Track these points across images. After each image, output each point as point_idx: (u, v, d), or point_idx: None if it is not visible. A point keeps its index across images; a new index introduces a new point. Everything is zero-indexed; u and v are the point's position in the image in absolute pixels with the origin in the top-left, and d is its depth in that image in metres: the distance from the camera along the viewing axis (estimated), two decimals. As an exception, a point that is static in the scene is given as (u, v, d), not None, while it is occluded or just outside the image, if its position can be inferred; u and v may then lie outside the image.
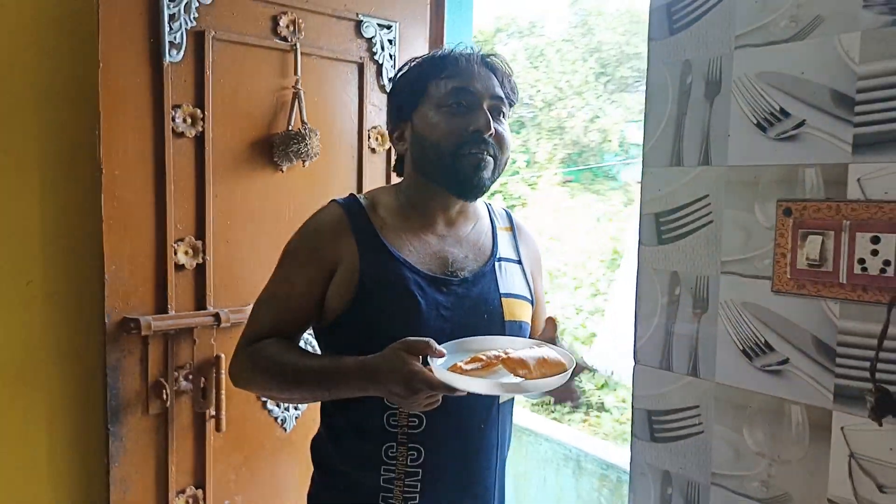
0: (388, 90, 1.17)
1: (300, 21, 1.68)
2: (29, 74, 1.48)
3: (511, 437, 1.22)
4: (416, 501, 1.08)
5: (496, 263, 1.16)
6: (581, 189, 9.17)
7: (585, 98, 9.31)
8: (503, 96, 1.12)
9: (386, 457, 1.07)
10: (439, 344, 0.96)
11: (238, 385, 1.11)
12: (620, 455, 2.68)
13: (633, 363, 1.30)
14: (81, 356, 1.56)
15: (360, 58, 1.80)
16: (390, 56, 1.84)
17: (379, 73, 1.83)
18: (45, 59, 1.49)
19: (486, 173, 1.09)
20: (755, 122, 1.09)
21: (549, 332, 1.08)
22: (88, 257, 1.50)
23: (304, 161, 1.69)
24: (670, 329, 1.22)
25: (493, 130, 1.08)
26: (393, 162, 1.21)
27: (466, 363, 0.93)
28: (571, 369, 0.97)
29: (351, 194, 1.16)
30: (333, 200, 1.14)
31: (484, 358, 0.95)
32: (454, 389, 0.90)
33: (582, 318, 5.49)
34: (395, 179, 1.23)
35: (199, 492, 1.62)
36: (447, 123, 1.08)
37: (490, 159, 1.09)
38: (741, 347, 1.12)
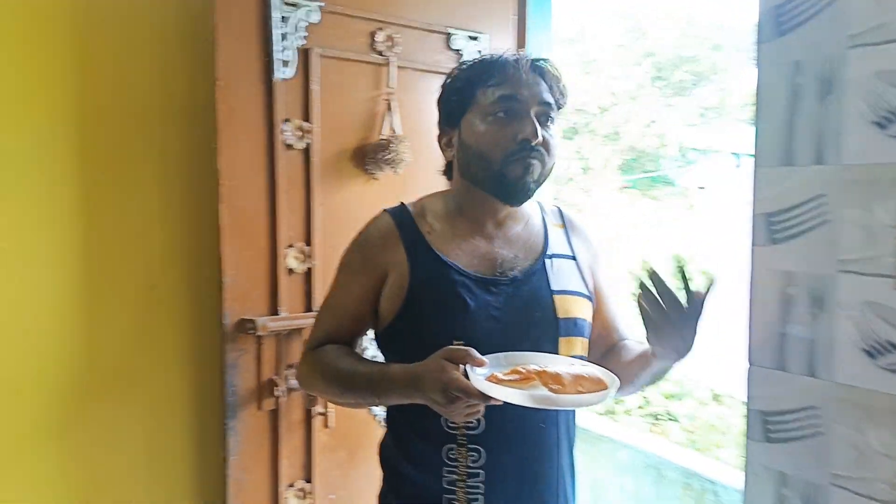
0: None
1: (396, 36, 1.75)
2: (154, 93, 1.59)
3: (574, 434, 1.22)
4: (480, 502, 1.09)
5: (547, 260, 1.17)
6: (639, 195, 9.06)
7: (641, 103, 9.21)
8: (551, 102, 1.13)
9: (447, 459, 1.09)
10: (489, 345, 1.00)
11: (303, 387, 1.17)
12: (704, 464, 2.64)
13: (747, 364, 1.30)
14: (201, 356, 1.65)
15: (450, 69, 1.86)
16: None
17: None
18: (168, 78, 1.60)
19: (533, 178, 1.11)
20: (873, 120, 1.09)
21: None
22: (207, 263, 1.60)
23: (394, 168, 1.74)
24: (785, 329, 1.23)
25: (540, 138, 1.09)
26: (443, 167, 1.24)
27: (505, 374, 0.96)
28: (607, 391, 0.97)
29: (401, 203, 1.20)
30: (384, 210, 1.19)
31: (522, 370, 0.97)
32: (489, 398, 0.92)
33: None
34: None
35: (308, 485, 1.69)
36: (494, 132, 1.10)
37: (537, 164, 1.11)
38: (863, 347, 1.11)
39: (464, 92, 1.13)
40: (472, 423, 1.09)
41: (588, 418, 3.35)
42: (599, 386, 0.98)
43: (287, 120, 1.61)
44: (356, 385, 1.08)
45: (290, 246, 1.64)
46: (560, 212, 1.28)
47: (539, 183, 1.13)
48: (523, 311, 1.12)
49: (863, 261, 1.11)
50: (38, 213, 1.48)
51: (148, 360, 1.61)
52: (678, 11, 9.39)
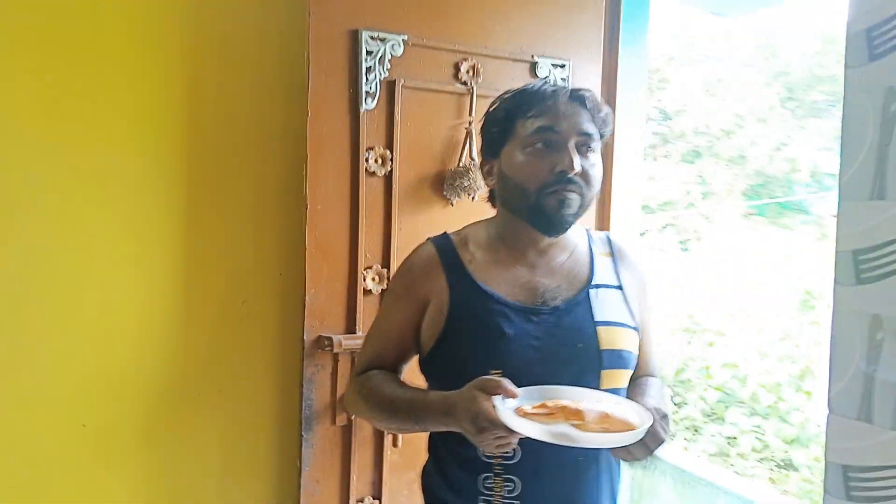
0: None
1: (479, 66, 1.80)
2: (251, 123, 1.73)
3: (619, 473, 1.19)
4: None
5: (592, 291, 1.15)
6: (766, 222, 8.50)
7: (770, 125, 8.67)
8: (591, 132, 1.12)
9: (483, 487, 1.09)
10: (528, 375, 1.00)
11: (350, 412, 1.21)
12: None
13: (828, 412, 1.20)
14: (283, 369, 1.76)
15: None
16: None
17: (611, 110, 1.88)
18: (265, 109, 1.74)
19: (571, 210, 1.10)
20: (975, 151, 0.98)
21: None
22: (292, 282, 1.70)
23: (470, 195, 1.77)
24: (871, 376, 1.12)
25: (578, 169, 1.08)
26: (487, 195, 1.26)
27: (533, 407, 0.95)
28: (632, 433, 0.94)
29: (444, 233, 1.22)
30: (428, 239, 1.21)
31: (550, 405, 0.96)
32: (512, 432, 0.93)
33: (768, 364, 5.04)
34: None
35: (376, 502, 1.74)
36: (532, 163, 1.10)
37: (576, 197, 1.10)
38: (960, 402, 1.00)
39: (504, 123, 1.15)
40: (507, 452, 1.08)
41: (688, 458, 3.17)
42: (625, 427, 0.96)
43: (371, 148, 1.70)
44: (397, 410, 1.11)
45: (369, 268, 1.71)
46: (609, 240, 1.27)
47: (578, 215, 1.13)
48: (564, 342, 1.11)
49: (960, 306, 1.00)
50: (147, 230, 1.65)
51: (235, 369, 1.74)
52: (812, 28, 8.80)
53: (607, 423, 0.96)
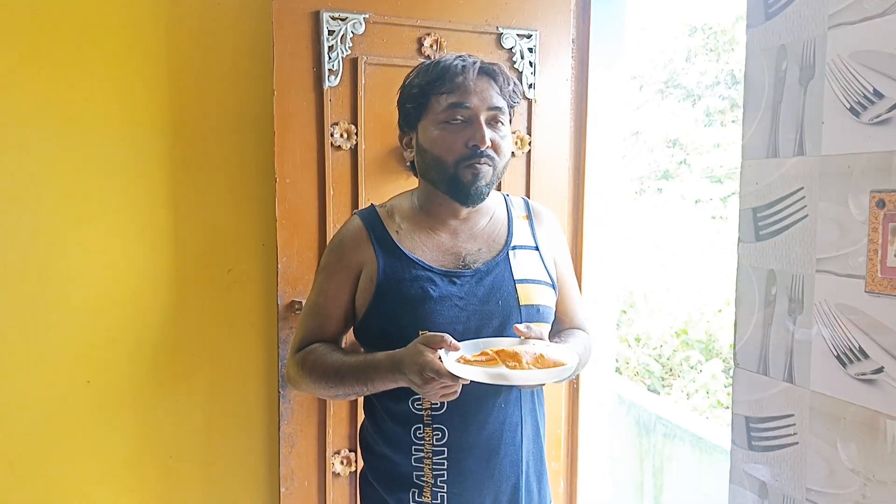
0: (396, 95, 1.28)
1: (443, 40, 1.86)
2: (230, 105, 1.86)
3: (540, 414, 1.26)
4: (445, 478, 1.17)
5: (510, 252, 1.22)
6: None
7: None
8: (501, 105, 1.17)
9: (415, 438, 1.18)
10: (454, 333, 1.08)
11: (293, 387, 1.26)
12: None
13: (734, 366, 1.24)
14: (263, 330, 1.91)
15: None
16: (530, 64, 1.93)
17: (518, 81, 1.92)
18: (241, 92, 1.86)
19: (485, 181, 1.17)
20: (848, 106, 0.99)
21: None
22: (273, 251, 1.83)
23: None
24: (767, 331, 1.15)
25: (488, 143, 1.15)
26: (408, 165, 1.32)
27: (474, 356, 1.02)
28: (562, 369, 1.02)
29: (371, 205, 1.29)
30: (354, 213, 1.28)
31: (490, 352, 1.04)
32: (458, 378, 1.01)
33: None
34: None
35: (352, 454, 1.87)
36: (446, 138, 1.17)
37: (488, 168, 1.17)
38: (836, 353, 1.02)
39: (419, 99, 1.21)
40: (436, 403, 1.18)
41: (707, 427, 3.17)
42: (557, 365, 1.05)
43: (336, 123, 1.79)
44: (345, 377, 1.16)
45: (338, 237, 1.82)
46: (526, 203, 1.34)
47: (491, 184, 1.20)
48: (486, 300, 1.19)
49: (836, 259, 1.03)
50: (137, 205, 1.81)
51: (223, 332, 1.89)
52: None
53: (541, 362, 1.04)
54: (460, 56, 1.22)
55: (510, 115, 1.23)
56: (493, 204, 1.29)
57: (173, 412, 1.87)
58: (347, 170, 1.82)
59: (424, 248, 1.22)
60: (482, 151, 1.16)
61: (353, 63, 1.79)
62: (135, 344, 1.83)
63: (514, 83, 1.23)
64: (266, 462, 1.94)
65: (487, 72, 1.20)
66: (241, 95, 1.86)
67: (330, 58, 1.76)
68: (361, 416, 1.85)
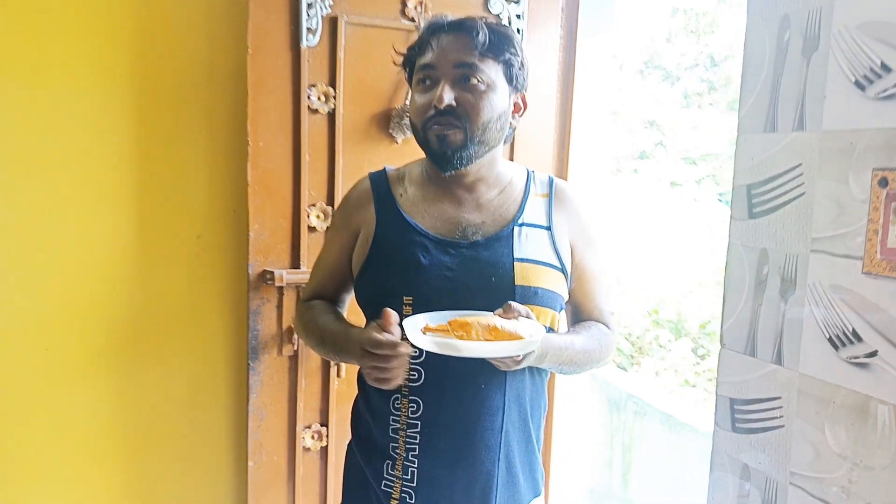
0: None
1: (427, 1, 1.78)
2: (200, 62, 1.76)
3: (533, 404, 1.19)
4: (416, 453, 1.13)
5: (516, 228, 1.15)
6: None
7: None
8: (470, 62, 1.09)
9: (393, 408, 1.15)
10: (439, 303, 1.06)
11: (298, 336, 1.27)
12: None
13: (720, 347, 1.21)
14: (237, 300, 1.83)
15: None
16: (518, 30, 1.86)
17: (510, 32, 1.85)
18: (213, 48, 1.76)
19: (454, 146, 1.10)
20: (853, 80, 0.95)
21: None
22: (244, 218, 1.75)
23: (415, 133, 1.78)
24: (757, 312, 1.12)
25: (446, 103, 1.08)
26: None
27: (439, 325, 0.98)
28: (509, 344, 0.96)
29: (384, 167, 1.26)
30: (369, 173, 1.25)
31: (450, 323, 0.99)
32: (395, 345, 0.99)
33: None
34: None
35: (324, 429, 1.82)
36: (417, 101, 1.14)
37: (455, 131, 1.10)
38: (828, 335, 1.00)
39: (407, 65, 1.19)
40: (413, 374, 1.13)
41: (676, 405, 3.19)
42: (511, 338, 0.98)
43: (313, 85, 1.71)
44: (325, 341, 1.19)
45: (313, 205, 1.74)
46: (551, 181, 1.25)
47: (467, 148, 1.11)
48: (478, 275, 1.13)
49: (833, 239, 0.99)
50: (100, 165, 1.71)
51: (190, 300, 1.82)
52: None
53: (494, 334, 0.97)
54: (443, 14, 1.16)
55: (508, 70, 1.14)
56: (507, 175, 1.22)
57: (137, 383, 1.79)
58: (325, 135, 1.74)
59: (425, 215, 1.17)
60: (442, 111, 1.09)
61: (333, 22, 1.70)
62: (96, 312, 1.75)
63: (500, 34, 1.13)
64: (234, 435, 1.88)
65: (459, 27, 1.12)
66: (214, 52, 1.76)
67: (308, 15, 1.67)
68: (333, 390, 1.82)
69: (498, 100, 1.13)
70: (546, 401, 1.25)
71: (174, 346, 1.82)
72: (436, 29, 1.13)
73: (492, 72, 1.12)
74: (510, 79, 1.15)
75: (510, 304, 1.02)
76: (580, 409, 2.22)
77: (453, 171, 1.15)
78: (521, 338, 0.97)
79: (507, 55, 1.13)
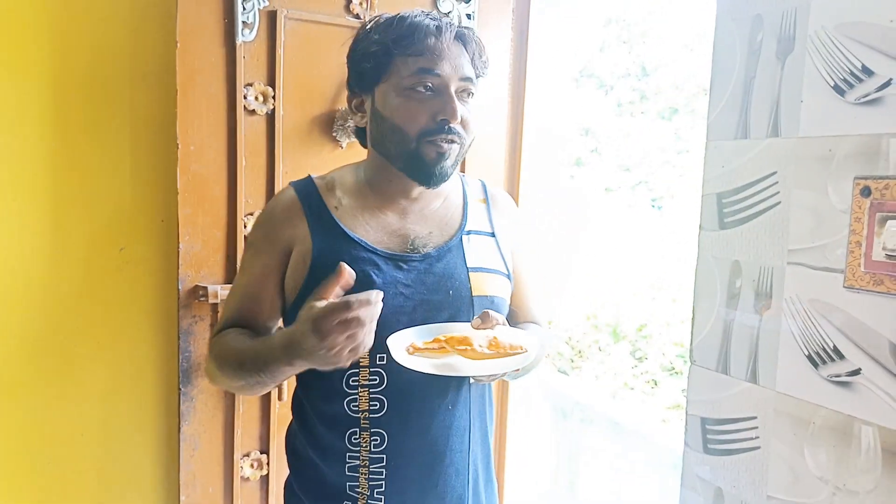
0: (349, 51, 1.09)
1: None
2: (123, 56, 1.60)
3: (490, 416, 1.14)
4: (383, 489, 1.04)
5: (464, 237, 1.09)
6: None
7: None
8: (472, 77, 1.03)
9: (350, 444, 1.04)
10: (398, 323, 0.96)
11: (210, 380, 1.10)
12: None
13: (690, 364, 1.15)
14: (162, 318, 1.67)
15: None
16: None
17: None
18: (138, 42, 1.60)
19: (450, 161, 1.03)
20: (832, 84, 0.91)
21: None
22: (175, 228, 1.60)
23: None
24: (729, 327, 1.07)
25: (459, 118, 1.00)
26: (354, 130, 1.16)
27: (425, 343, 0.88)
28: (521, 355, 0.91)
29: (308, 176, 1.12)
30: (290, 184, 1.11)
31: (442, 339, 0.89)
32: (349, 307, 0.83)
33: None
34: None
35: (264, 456, 1.68)
36: (412, 107, 1.01)
37: (455, 146, 1.03)
38: (806, 353, 0.95)
39: (380, 58, 1.03)
40: (375, 405, 1.03)
41: (619, 409, 3.18)
42: (514, 350, 0.92)
43: (250, 84, 1.58)
44: (244, 363, 1.00)
45: (250, 214, 1.61)
46: (483, 186, 1.20)
47: (456, 165, 1.06)
48: (435, 289, 1.05)
49: (811, 251, 0.94)
50: (9, 171, 1.53)
51: (113, 319, 1.65)
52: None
53: (495, 346, 0.91)
54: (428, 13, 1.05)
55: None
56: (447, 184, 1.12)
57: (55, 410, 1.61)
58: (263, 137, 1.61)
59: (368, 228, 1.06)
60: (451, 128, 1.01)
61: (272, 16, 1.58)
62: (4, 331, 1.56)
63: (487, 55, 1.08)
64: (164, 467, 1.71)
65: (461, 37, 1.05)
66: (139, 46, 1.61)
67: (245, 8, 1.54)
68: (274, 414, 1.68)
69: (477, 115, 1.09)
70: (494, 409, 1.19)
71: (93, 370, 1.64)
72: (438, 30, 1.01)
73: (476, 88, 1.07)
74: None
75: (488, 314, 0.96)
76: (531, 418, 2.16)
77: (434, 188, 1.08)
78: (523, 349, 0.92)
79: (485, 69, 1.09)
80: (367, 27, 1.08)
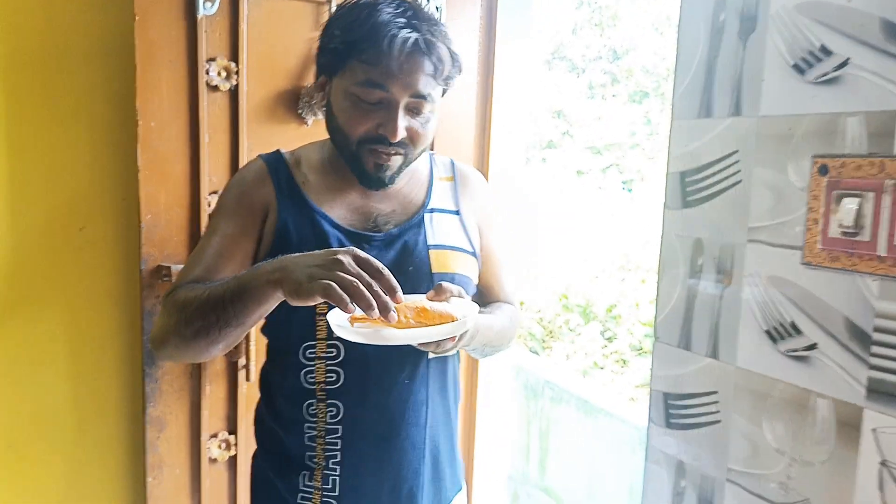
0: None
1: (340, -28, 1.64)
2: (76, 27, 1.54)
3: (453, 393, 1.15)
4: (338, 459, 1.05)
5: (427, 215, 1.09)
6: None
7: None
8: (426, 94, 0.99)
9: (308, 415, 1.05)
10: None
11: (155, 350, 1.02)
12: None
13: (654, 340, 1.17)
14: (124, 299, 1.64)
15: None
16: (437, 9, 1.76)
17: (456, 54, 1.75)
18: (90, 12, 1.55)
19: (391, 172, 1.03)
20: (791, 63, 0.92)
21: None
22: (136, 207, 1.56)
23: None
24: (691, 304, 1.09)
25: (400, 136, 0.98)
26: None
27: (362, 315, 0.86)
28: (448, 325, 0.87)
29: (277, 150, 1.11)
30: (259, 156, 1.11)
31: None
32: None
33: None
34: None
35: (232, 437, 1.67)
36: (355, 115, 0.99)
37: (397, 158, 1.02)
38: (765, 328, 0.97)
39: (337, 54, 1.00)
40: (331, 377, 1.04)
41: (589, 389, 3.22)
42: (442, 319, 0.88)
43: (212, 59, 1.54)
44: (211, 297, 0.92)
45: (214, 192, 1.58)
46: (452, 164, 1.19)
47: (400, 172, 1.05)
48: (395, 266, 1.04)
49: (771, 228, 0.96)
50: (-43, 149, 1.47)
51: (76, 301, 1.60)
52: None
53: (424, 316, 0.88)
54: (401, 11, 0.98)
55: (445, 86, 1.06)
56: (414, 163, 1.11)
57: (14, 396, 1.57)
58: (226, 114, 1.58)
59: (332, 205, 1.07)
60: (391, 143, 1.00)
61: (235, -11, 1.54)
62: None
63: (452, 69, 1.03)
64: (129, 450, 1.69)
65: (424, 48, 0.97)
66: (95, 18, 1.54)
67: (206, -20, 1.50)
68: (241, 395, 1.67)
69: (436, 120, 1.06)
70: (460, 388, 1.19)
71: (54, 353, 1.60)
72: (392, 43, 0.95)
73: (437, 95, 1.03)
74: (443, 92, 1.07)
75: (441, 285, 0.94)
76: (500, 396, 2.18)
77: (374, 191, 1.07)
78: (453, 318, 0.89)
79: (454, 77, 1.05)
80: (338, 12, 1.04)
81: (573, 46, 8.24)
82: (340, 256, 0.83)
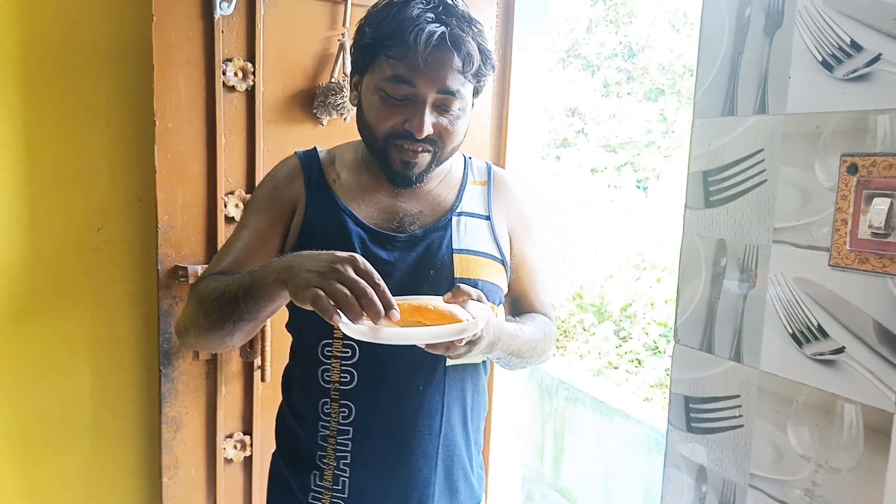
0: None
1: (356, -29, 1.63)
2: (94, 29, 1.54)
3: (474, 405, 1.11)
4: (348, 461, 1.04)
5: (454, 218, 1.07)
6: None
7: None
8: (455, 90, 0.97)
9: (322, 413, 1.05)
10: None
11: (181, 339, 1.05)
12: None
13: (674, 343, 1.15)
14: (142, 299, 1.64)
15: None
16: (453, 6, 1.74)
17: (489, 50, 1.73)
18: (108, 13, 1.55)
19: (419, 169, 1.02)
20: (820, 59, 0.90)
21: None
22: (150, 207, 1.57)
23: (342, 115, 1.64)
24: (713, 306, 1.07)
25: (426, 132, 0.97)
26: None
27: None
28: (449, 326, 0.83)
29: (314, 147, 1.13)
30: (295, 152, 1.12)
31: None
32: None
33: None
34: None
35: (247, 438, 1.67)
36: (383, 110, 0.99)
37: (425, 156, 1.01)
38: (791, 331, 0.95)
39: (367, 51, 1.00)
40: (345, 377, 1.03)
41: (606, 390, 3.20)
42: (445, 320, 0.84)
43: (229, 60, 1.54)
44: (229, 288, 0.93)
45: (231, 193, 1.58)
46: (489, 169, 1.17)
47: (430, 171, 1.04)
48: (416, 269, 1.04)
49: (797, 229, 0.93)
50: (-23, 149, 1.48)
51: (93, 301, 1.61)
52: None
53: (423, 315, 0.85)
54: (432, 7, 0.96)
55: (478, 85, 1.03)
56: (447, 164, 1.11)
57: (33, 394, 1.58)
58: (242, 114, 1.58)
59: (360, 203, 1.07)
60: (417, 139, 0.99)
61: (251, -11, 1.54)
62: (-23, 315, 1.52)
63: (480, 64, 1.00)
64: (146, 450, 1.69)
65: (452, 43, 0.95)
66: (113, 20, 1.55)
67: (222, -19, 1.50)
68: (257, 395, 1.67)
69: (468, 118, 1.04)
70: (487, 401, 1.16)
71: (72, 353, 1.61)
72: (417, 37, 0.93)
73: (468, 93, 1.02)
74: (477, 91, 1.05)
75: (459, 287, 0.91)
76: (515, 396, 2.16)
77: (402, 189, 1.07)
78: (458, 320, 0.84)
79: (486, 75, 1.03)
80: (371, 10, 1.03)
81: (588, 44, 8.18)
82: (339, 265, 0.82)
